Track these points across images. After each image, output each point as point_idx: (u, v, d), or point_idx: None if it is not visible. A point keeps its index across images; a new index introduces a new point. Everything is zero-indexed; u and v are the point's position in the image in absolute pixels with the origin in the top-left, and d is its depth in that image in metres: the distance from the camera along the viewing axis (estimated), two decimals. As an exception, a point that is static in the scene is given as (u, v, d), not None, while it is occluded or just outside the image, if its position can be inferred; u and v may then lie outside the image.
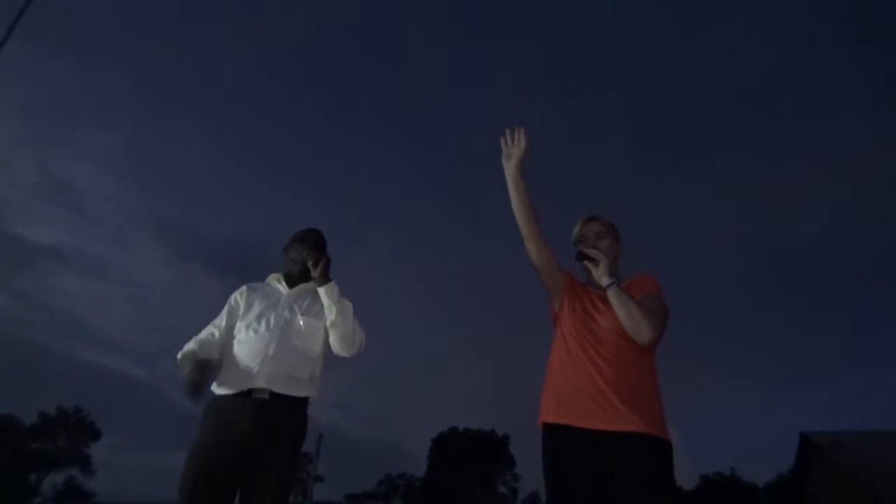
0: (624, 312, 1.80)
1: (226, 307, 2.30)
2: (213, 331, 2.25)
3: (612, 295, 1.85)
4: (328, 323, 2.21)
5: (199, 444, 1.97)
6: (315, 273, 2.16)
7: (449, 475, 39.40)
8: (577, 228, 2.15)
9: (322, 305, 2.23)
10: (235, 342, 2.19)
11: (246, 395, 2.02)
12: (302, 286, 2.31)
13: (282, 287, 2.33)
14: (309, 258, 2.18)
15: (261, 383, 2.03)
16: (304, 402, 2.13)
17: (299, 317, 2.22)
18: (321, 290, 2.18)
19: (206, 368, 1.99)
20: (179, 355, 2.14)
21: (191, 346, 2.17)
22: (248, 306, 2.26)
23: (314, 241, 2.30)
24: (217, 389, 2.10)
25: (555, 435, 1.79)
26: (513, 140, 2.03)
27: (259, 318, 2.20)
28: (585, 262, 1.98)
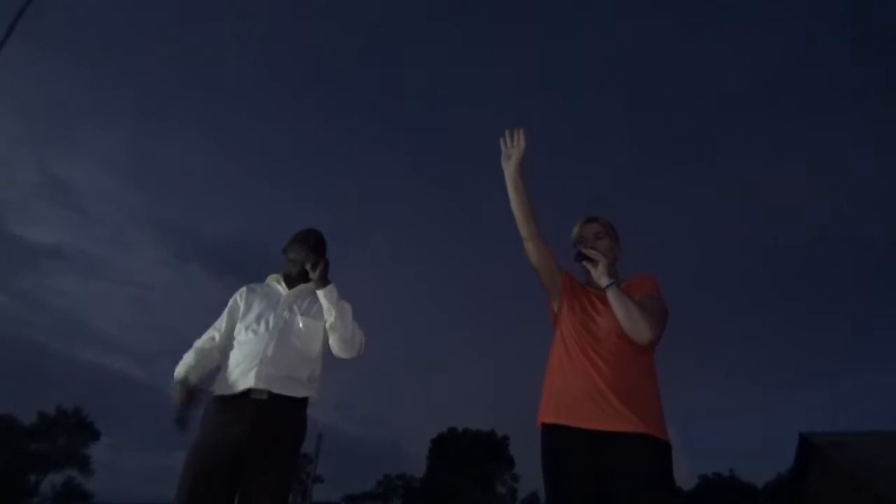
0: (623, 313, 1.80)
1: (226, 309, 2.30)
2: (213, 334, 2.26)
3: (611, 295, 1.85)
4: (327, 325, 2.21)
5: (198, 445, 1.97)
6: (314, 276, 2.16)
7: (448, 476, 39.38)
8: (576, 229, 2.15)
9: (322, 306, 2.23)
10: (235, 343, 2.19)
11: (245, 396, 2.02)
12: (301, 287, 2.31)
13: (281, 288, 2.33)
14: (307, 261, 2.17)
15: (259, 384, 2.03)
16: (303, 402, 2.13)
17: (299, 317, 2.22)
18: (320, 293, 2.18)
19: (192, 400, 2.04)
20: (176, 372, 2.14)
21: (189, 361, 2.17)
22: (248, 307, 2.27)
23: (313, 243, 2.30)
24: (216, 390, 2.10)
25: (554, 435, 1.79)
26: (512, 141, 2.03)
27: (258, 319, 2.20)
28: (584, 263, 1.98)
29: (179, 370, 2.14)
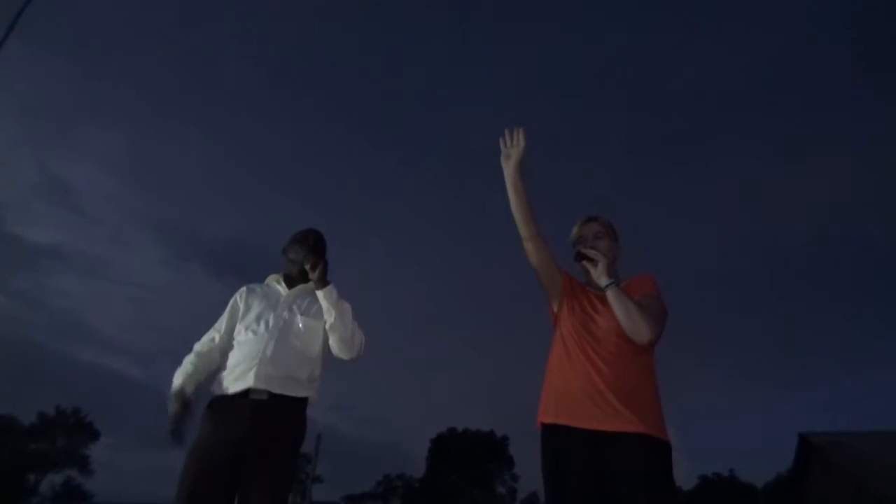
0: (623, 313, 1.80)
1: (227, 309, 2.30)
2: (213, 335, 2.27)
3: (610, 295, 1.85)
4: (327, 326, 2.21)
5: (197, 445, 1.97)
6: (313, 277, 2.16)
7: (448, 476, 39.39)
8: (575, 229, 2.15)
9: (322, 306, 2.23)
10: (235, 343, 2.19)
11: (244, 396, 2.02)
12: (301, 287, 2.31)
13: (281, 288, 2.33)
14: (306, 262, 2.17)
15: (259, 384, 2.03)
16: (302, 402, 2.13)
17: (298, 317, 2.22)
18: (319, 294, 2.18)
19: (187, 412, 2.07)
20: (174, 381, 2.14)
21: (187, 368, 2.17)
22: (248, 308, 2.27)
23: (313, 243, 2.30)
24: (216, 390, 2.10)
25: (554, 435, 1.79)
26: (512, 141, 2.03)
27: (258, 319, 2.20)
28: (584, 263, 1.98)
29: (177, 381, 2.14)
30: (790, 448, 16.23)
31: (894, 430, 14.70)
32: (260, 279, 2.43)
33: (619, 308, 1.81)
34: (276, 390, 2.04)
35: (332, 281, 2.20)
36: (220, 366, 2.18)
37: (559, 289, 2.06)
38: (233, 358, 2.15)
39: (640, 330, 1.77)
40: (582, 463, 1.69)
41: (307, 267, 2.17)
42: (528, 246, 2.02)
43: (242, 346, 2.15)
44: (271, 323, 2.18)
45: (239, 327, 2.22)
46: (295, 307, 2.25)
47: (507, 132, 2.04)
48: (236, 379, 2.06)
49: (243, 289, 2.35)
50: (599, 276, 1.90)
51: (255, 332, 2.16)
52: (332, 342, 2.22)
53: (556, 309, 2.08)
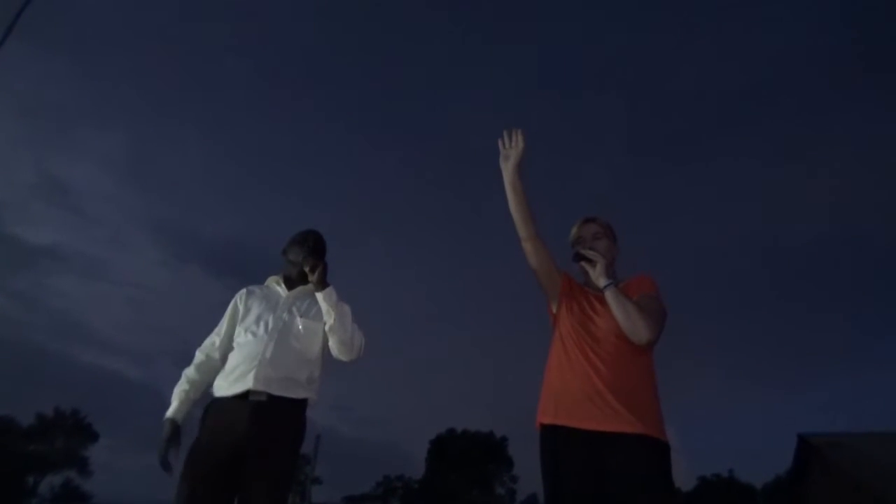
0: (621, 313, 1.81)
1: (227, 312, 2.30)
2: (214, 339, 2.27)
3: (609, 295, 1.85)
4: (327, 328, 2.21)
5: (197, 447, 1.97)
6: (312, 279, 2.16)
7: (447, 477, 39.35)
8: (574, 230, 2.15)
9: (321, 308, 2.22)
10: (235, 345, 2.19)
11: (244, 398, 2.02)
12: (301, 288, 2.31)
13: (281, 289, 2.33)
14: (306, 264, 2.17)
15: (258, 385, 2.02)
16: (302, 403, 2.13)
17: (298, 319, 2.22)
18: (319, 296, 2.18)
19: (177, 440, 2.07)
20: (171, 402, 2.14)
21: (184, 386, 2.16)
22: (247, 309, 2.26)
23: (312, 244, 2.29)
24: (216, 392, 2.10)
25: (553, 436, 1.79)
26: (510, 142, 2.04)
27: (257, 321, 2.20)
28: (583, 263, 1.98)
29: (172, 404, 2.14)
30: (789, 449, 16.21)
31: (894, 430, 14.69)
32: (260, 280, 2.43)
33: (618, 308, 1.82)
34: (276, 392, 2.04)
35: (331, 283, 2.19)
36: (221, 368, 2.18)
37: (558, 289, 2.06)
38: (232, 359, 2.15)
39: (638, 330, 1.77)
40: (581, 463, 1.69)
41: (306, 269, 2.17)
42: (527, 246, 2.03)
43: (242, 348, 2.15)
44: (271, 325, 2.18)
45: (239, 329, 2.22)
46: (294, 309, 2.25)
47: (505, 133, 2.04)
48: (236, 380, 2.06)
49: (243, 291, 2.35)
50: (598, 277, 1.90)
51: (254, 334, 2.16)
52: (332, 344, 2.22)
53: (554, 309, 2.08)
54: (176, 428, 2.10)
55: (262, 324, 2.18)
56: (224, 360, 2.19)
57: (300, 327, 2.20)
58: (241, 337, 2.19)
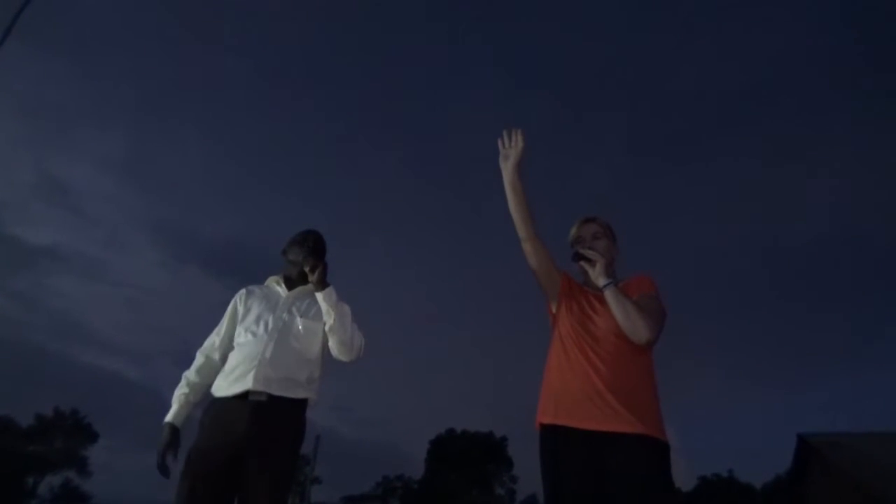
0: (621, 312, 1.81)
1: (227, 312, 2.30)
2: (214, 339, 2.27)
3: (608, 295, 1.85)
4: (326, 328, 2.21)
5: (197, 447, 1.97)
6: (312, 279, 2.16)
7: (447, 477, 39.33)
8: (573, 229, 2.15)
9: (321, 308, 2.22)
10: (235, 345, 2.19)
11: (243, 398, 2.02)
12: (301, 288, 2.31)
13: (281, 289, 2.33)
14: (306, 264, 2.17)
15: (258, 386, 2.02)
16: (302, 403, 2.13)
17: (298, 319, 2.22)
18: (319, 296, 2.17)
19: (175, 446, 2.08)
20: (171, 405, 2.15)
21: (184, 389, 2.17)
22: (247, 310, 2.26)
23: (312, 245, 2.29)
24: (216, 392, 2.10)
25: (552, 436, 1.79)
26: (510, 142, 2.03)
27: (257, 321, 2.20)
28: (582, 263, 1.98)
29: (173, 407, 2.14)
30: (789, 449, 16.22)
31: (894, 430, 14.70)
32: (259, 280, 2.43)
33: (618, 308, 1.82)
34: (276, 392, 2.04)
35: (331, 283, 2.19)
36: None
37: (558, 289, 2.06)
38: (232, 359, 2.15)
39: (638, 330, 1.77)
40: (581, 463, 1.69)
41: (307, 269, 2.17)
42: (527, 246, 2.02)
43: (242, 348, 2.15)
44: (270, 325, 2.18)
45: (239, 329, 2.22)
46: (294, 309, 2.25)
47: (505, 133, 2.04)
48: (235, 380, 2.06)
49: (242, 291, 2.35)
50: (597, 277, 1.90)
51: (254, 334, 2.16)
52: (332, 344, 2.22)
53: (554, 309, 2.08)
54: (175, 432, 2.10)
55: (261, 324, 2.18)
56: (224, 360, 2.19)
57: (300, 327, 2.20)
58: (241, 337, 2.19)
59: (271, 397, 2.03)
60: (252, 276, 2.48)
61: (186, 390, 2.17)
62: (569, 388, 1.82)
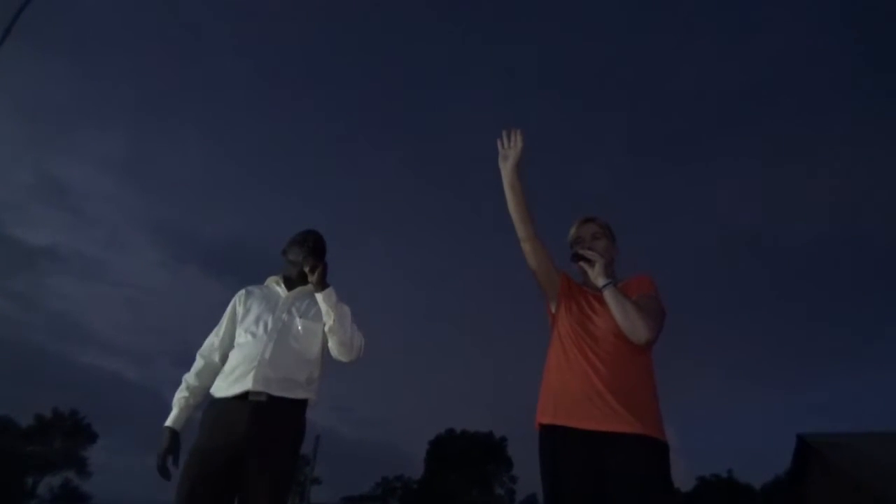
0: (620, 312, 1.81)
1: (226, 312, 2.30)
2: (213, 340, 2.26)
3: (608, 295, 1.85)
4: (326, 329, 2.21)
5: (196, 448, 1.97)
6: (312, 279, 2.15)
7: (446, 477, 39.33)
8: (573, 230, 2.15)
9: (321, 308, 2.22)
10: (234, 345, 2.19)
11: (243, 398, 2.02)
12: (301, 288, 2.31)
13: (280, 290, 2.33)
14: (306, 264, 2.17)
15: (258, 386, 2.02)
16: (301, 404, 2.13)
17: (297, 320, 2.21)
18: (319, 297, 2.17)
19: (175, 449, 2.07)
20: (172, 408, 2.14)
21: (183, 392, 2.16)
22: (247, 310, 2.26)
23: (312, 245, 2.29)
24: (215, 392, 2.10)
25: (552, 436, 1.79)
26: (509, 142, 2.03)
27: (257, 321, 2.20)
28: (581, 263, 1.98)
29: (173, 411, 2.14)
30: (789, 449, 16.24)
31: (894, 430, 14.71)
32: (259, 281, 2.43)
33: (617, 308, 1.82)
34: (275, 392, 2.04)
35: (331, 283, 2.19)
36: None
37: (557, 289, 2.06)
38: (232, 360, 2.14)
39: (637, 330, 1.77)
40: (580, 463, 1.69)
41: (306, 269, 2.17)
42: (526, 247, 2.03)
43: (241, 349, 2.15)
44: (270, 325, 2.18)
45: (238, 329, 2.22)
46: (294, 309, 2.25)
47: (504, 133, 2.04)
48: (235, 381, 2.06)
49: (242, 291, 2.35)
50: (597, 277, 1.90)
51: (253, 335, 2.16)
52: (332, 345, 2.21)
53: (553, 309, 2.08)
54: (175, 437, 2.10)
55: (261, 324, 2.18)
56: (224, 360, 2.19)
57: (300, 328, 2.20)
58: (241, 337, 2.18)
59: (271, 398, 2.03)
60: (252, 276, 2.49)
61: (186, 394, 2.17)
62: (568, 389, 1.82)
